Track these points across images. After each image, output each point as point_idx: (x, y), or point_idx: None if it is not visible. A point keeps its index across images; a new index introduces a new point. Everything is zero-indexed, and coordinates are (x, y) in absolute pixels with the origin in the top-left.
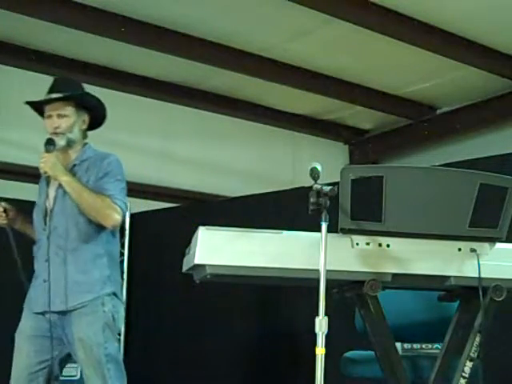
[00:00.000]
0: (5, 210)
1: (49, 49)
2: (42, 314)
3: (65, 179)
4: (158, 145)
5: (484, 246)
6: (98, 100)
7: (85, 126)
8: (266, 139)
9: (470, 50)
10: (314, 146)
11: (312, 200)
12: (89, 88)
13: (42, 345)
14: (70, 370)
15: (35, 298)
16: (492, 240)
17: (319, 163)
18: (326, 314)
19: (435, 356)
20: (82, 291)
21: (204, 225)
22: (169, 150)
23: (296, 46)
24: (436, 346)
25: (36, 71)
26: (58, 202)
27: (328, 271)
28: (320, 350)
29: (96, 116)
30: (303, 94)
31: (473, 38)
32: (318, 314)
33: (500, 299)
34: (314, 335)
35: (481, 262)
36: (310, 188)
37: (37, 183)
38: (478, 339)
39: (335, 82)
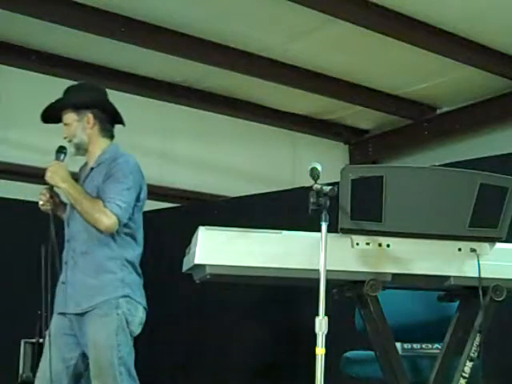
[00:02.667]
0: (51, 197)
1: (49, 49)
2: (64, 314)
3: (62, 186)
4: (158, 145)
5: (484, 246)
6: (100, 96)
7: (90, 125)
8: (266, 139)
9: (470, 49)
10: (314, 146)
11: (312, 200)
12: None
13: (65, 343)
14: None
15: (57, 297)
16: (492, 240)
17: (319, 163)
18: (326, 314)
19: (435, 356)
20: (93, 294)
21: (204, 225)
22: (169, 150)
23: (296, 45)
24: (436, 345)
25: (36, 71)
26: None
27: (328, 271)
28: (320, 350)
29: (105, 111)
30: (303, 94)
31: (473, 38)
32: (318, 314)
33: (500, 299)
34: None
35: (481, 262)
36: (310, 188)
37: (36, 183)
38: (477, 339)
39: (335, 81)
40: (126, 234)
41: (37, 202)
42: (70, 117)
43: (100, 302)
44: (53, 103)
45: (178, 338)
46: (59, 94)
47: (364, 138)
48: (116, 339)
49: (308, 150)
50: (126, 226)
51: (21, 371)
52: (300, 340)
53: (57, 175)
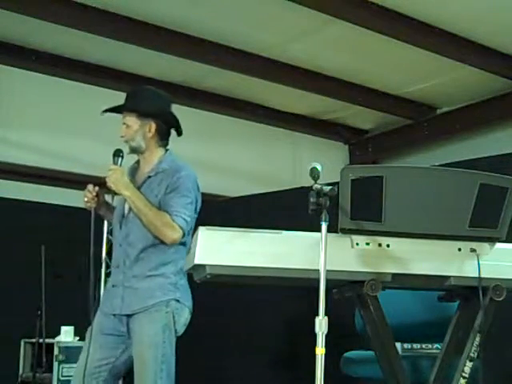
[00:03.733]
0: (97, 195)
1: (49, 49)
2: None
3: (127, 194)
4: None
5: (484, 246)
6: (165, 107)
7: (151, 134)
8: (266, 139)
9: (470, 49)
10: (314, 146)
11: (312, 200)
12: (90, 88)
13: (107, 342)
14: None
15: (106, 299)
16: (492, 240)
17: (319, 163)
18: (326, 314)
19: (435, 356)
20: (144, 297)
21: (204, 225)
22: None
23: (296, 45)
24: (436, 346)
25: (36, 71)
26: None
27: (328, 271)
28: (320, 350)
29: (167, 122)
30: (303, 94)
31: (473, 38)
32: (317, 314)
33: (500, 299)
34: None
35: (481, 262)
36: (310, 188)
37: (37, 183)
38: (477, 339)
39: (335, 81)
40: (180, 242)
41: (36, 202)
42: (132, 120)
43: (149, 305)
44: (119, 106)
45: (178, 338)
46: (59, 95)
47: (364, 137)
48: (162, 336)
49: (308, 150)
50: None
51: (21, 371)
52: (300, 340)
53: (120, 182)
